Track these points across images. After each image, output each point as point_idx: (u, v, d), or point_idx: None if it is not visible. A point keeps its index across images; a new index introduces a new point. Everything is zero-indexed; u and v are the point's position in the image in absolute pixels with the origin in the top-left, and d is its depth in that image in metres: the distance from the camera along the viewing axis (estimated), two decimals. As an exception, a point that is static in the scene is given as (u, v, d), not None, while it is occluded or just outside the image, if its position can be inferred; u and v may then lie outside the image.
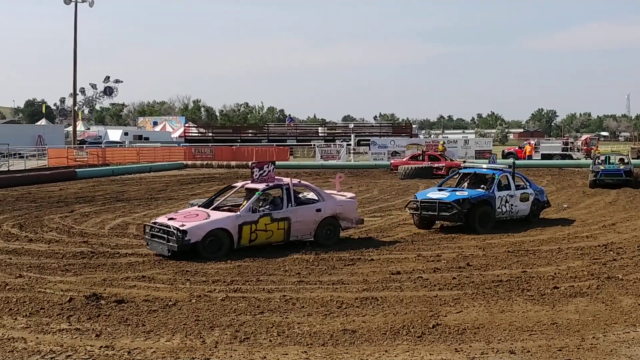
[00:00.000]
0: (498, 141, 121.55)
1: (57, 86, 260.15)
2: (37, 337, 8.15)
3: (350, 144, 52.20)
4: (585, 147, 53.08)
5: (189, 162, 47.45)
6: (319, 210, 14.63)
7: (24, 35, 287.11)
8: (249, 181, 15.18)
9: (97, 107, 76.05)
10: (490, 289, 10.52)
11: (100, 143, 64.29)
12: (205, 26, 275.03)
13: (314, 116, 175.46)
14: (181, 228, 13.01)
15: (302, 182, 15.86)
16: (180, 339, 8.10)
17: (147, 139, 72.05)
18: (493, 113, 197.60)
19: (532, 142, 55.79)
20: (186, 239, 12.93)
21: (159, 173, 41.00)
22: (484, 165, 19.00)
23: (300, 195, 15.20)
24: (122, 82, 74.60)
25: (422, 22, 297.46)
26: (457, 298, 9.95)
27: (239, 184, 15.48)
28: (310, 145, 55.96)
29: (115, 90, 67.02)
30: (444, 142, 49.30)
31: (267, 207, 14.37)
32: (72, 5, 55.26)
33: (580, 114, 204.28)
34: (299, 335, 8.22)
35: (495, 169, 18.10)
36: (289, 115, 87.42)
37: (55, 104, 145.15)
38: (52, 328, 8.56)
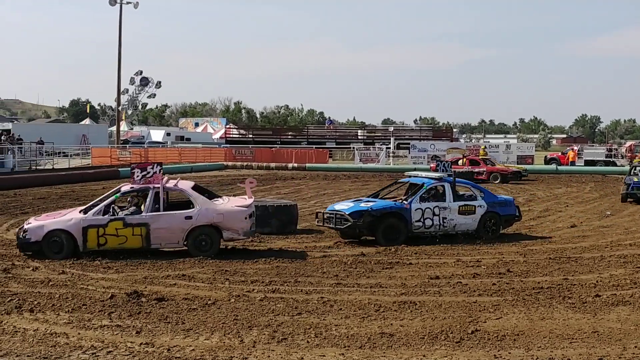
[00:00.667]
0: (540, 146, 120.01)
1: (102, 86, 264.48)
2: (79, 333, 8.29)
3: (389, 147, 52.04)
4: (629, 154, 52.02)
5: (230, 163, 47.78)
6: (189, 217, 13.42)
7: (70, 36, 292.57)
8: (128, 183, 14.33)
9: (139, 104, 76.57)
10: (530, 295, 10.40)
11: (143, 143, 65.03)
12: (247, 28, 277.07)
13: (354, 119, 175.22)
14: (25, 227, 13.22)
15: (179, 185, 14.48)
16: (218, 337, 8.17)
17: (188, 139, 72.71)
18: (536, 118, 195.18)
19: (575, 148, 54.96)
20: (27, 237, 13.11)
21: (200, 173, 41.36)
22: (423, 174, 17.34)
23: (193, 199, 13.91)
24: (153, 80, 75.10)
25: (465, 25, 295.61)
26: (496, 304, 9.86)
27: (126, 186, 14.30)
28: (350, 148, 55.88)
29: (151, 80, 67.38)
30: (485, 147, 48.86)
31: (131, 210, 13.73)
32: (117, 6, 56.08)
33: (625, 120, 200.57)
34: (337, 337, 8.22)
35: (432, 178, 16.31)
36: (329, 117, 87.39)
37: (99, 104, 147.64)
38: (93, 324, 8.70)
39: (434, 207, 15.61)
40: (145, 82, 69.18)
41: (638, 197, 24.22)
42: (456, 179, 16.55)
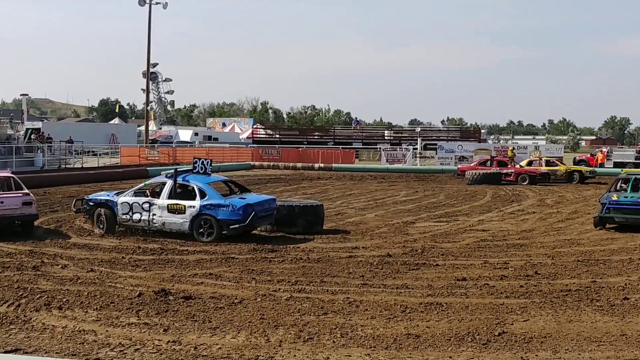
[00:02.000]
0: (569, 148, 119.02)
1: (131, 86, 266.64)
2: (107, 330, 8.39)
3: (416, 148, 51.89)
4: (659, 156, 51.41)
5: (256, 163, 47.97)
6: None
7: (100, 36, 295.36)
8: None
9: (166, 102, 77.36)
10: (558, 298, 10.32)
11: (171, 143, 65.50)
12: (275, 29, 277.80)
13: (380, 119, 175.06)
14: None
15: None
16: (245, 336, 8.21)
17: (216, 139, 73.12)
18: (564, 119, 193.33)
19: (604, 149, 54.42)
20: None
21: (227, 173, 41.41)
22: (163, 173, 17.20)
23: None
24: (170, 80, 75.47)
25: (492, 25, 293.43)
26: (524, 306, 9.79)
27: None
28: (376, 148, 55.82)
29: (159, 75, 67.60)
30: (514, 148, 48.53)
31: None
32: (147, 7, 56.53)
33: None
34: (362, 337, 8.23)
35: (167, 175, 16.39)
36: (355, 118, 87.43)
37: (128, 104, 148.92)
38: (121, 322, 8.79)
39: (142, 203, 16.08)
40: (154, 77, 69.19)
41: (616, 221, 17.79)
42: (187, 177, 16.26)
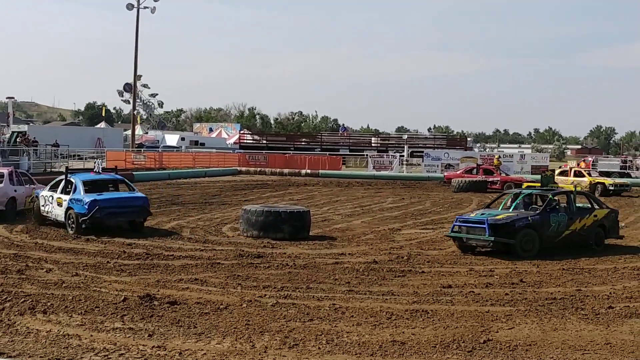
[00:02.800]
0: (555, 157, 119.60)
1: (118, 90, 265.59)
2: (92, 335, 8.33)
3: (403, 155, 52.03)
4: (644, 166, 51.83)
5: (243, 169, 47.91)
6: None
7: (87, 40, 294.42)
8: None
9: (154, 107, 77.02)
10: (543, 306, 10.35)
11: (158, 147, 65.33)
12: (263, 35, 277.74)
13: (367, 126, 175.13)
14: None
15: None
16: (230, 342, 8.18)
17: (203, 144, 73.00)
18: (550, 128, 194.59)
19: (588, 159, 54.87)
20: None
21: (213, 178, 41.50)
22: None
23: None
24: (148, 87, 74.84)
25: (479, 34, 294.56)
26: (509, 314, 9.82)
27: None
28: (363, 155, 55.90)
29: (129, 88, 66.78)
30: (499, 156, 48.77)
31: None
32: (135, 11, 56.40)
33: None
34: (348, 344, 8.22)
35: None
36: (343, 124, 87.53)
37: (114, 108, 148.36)
38: (106, 326, 8.74)
39: (48, 196, 18.05)
40: (129, 88, 68.54)
41: (468, 245, 15.20)
42: (75, 174, 18.44)
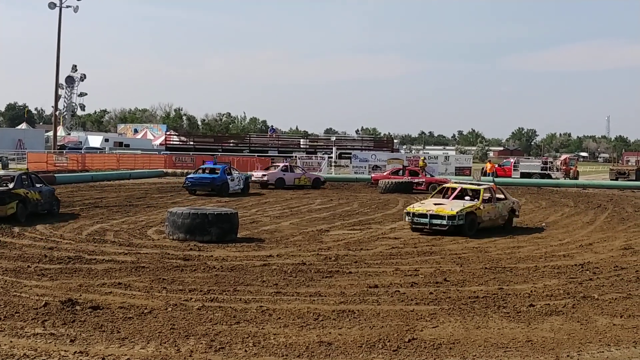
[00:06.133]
0: (478, 158, 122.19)
1: (39, 91, 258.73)
2: (11, 341, 8.07)
3: (331, 157, 52.33)
4: (564, 167, 53.58)
5: (170, 170, 47.36)
6: None
7: (8, 39, 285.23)
8: None
9: (76, 107, 75.46)
10: (466, 304, 10.56)
11: (81, 149, 63.87)
12: (189, 34, 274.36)
13: (296, 128, 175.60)
14: None
15: None
16: (155, 346, 8.05)
17: (127, 146, 71.72)
18: (474, 130, 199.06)
19: (491, 161, 58.21)
20: None
21: (138, 180, 40.84)
22: None
23: None
24: (85, 77, 73.38)
25: (405, 37, 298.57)
26: (433, 313, 9.97)
27: None
28: (292, 156, 55.97)
29: (76, 80, 65.53)
30: (425, 158, 49.58)
31: None
32: (57, 10, 55.05)
33: (560, 134, 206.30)
34: (275, 346, 8.20)
35: None
36: (272, 126, 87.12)
37: (36, 109, 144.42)
38: (26, 332, 8.48)
39: None
40: (71, 80, 67.30)
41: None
42: None
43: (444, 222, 18.57)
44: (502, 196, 20.98)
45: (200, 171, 33.27)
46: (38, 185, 21.09)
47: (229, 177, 31.83)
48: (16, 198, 19.27)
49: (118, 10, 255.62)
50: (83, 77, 68.25)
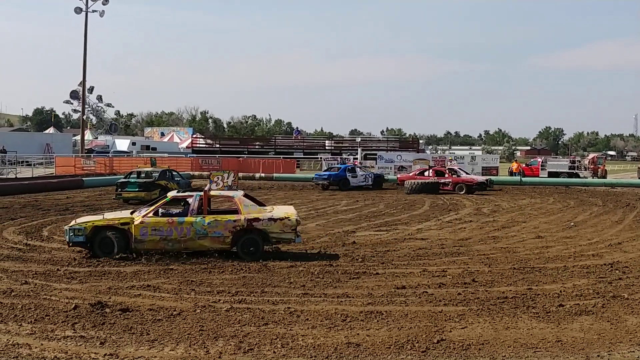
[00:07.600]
0: (505, 158, 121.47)
1: (66, 95, 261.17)
2: (42, 344, 8.17)
3: (356, 158, 52.25)
4: (592, 166, 53.00)
5: (196, 173, 47.61)
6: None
7: (35, 44, 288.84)
8: None
9: (104, 112, 76.30)
10: (495, 305, 10.49)
11: (108, 152, 64.47)
12: (215, 38, 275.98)
13: (321, 130, 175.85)
14: None
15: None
16: (184, 348, 8.11)
17: (154, 149, 72.30)
18: (500, 130, 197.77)
19: (517, 160, 58.39)
20: None
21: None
22: None
23: None
24: (93, 89, 73.95)
25: (432, 39, 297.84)
26: (462, 314, 9.93)
27: None
28: (317, 158, 56.01)
29: (78, 94, 65.51)
30: (452, 158, 49.34)
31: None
32: (83, 15, 55.60)
33: (588, 133, 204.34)
34: (303, 347, 8.21)
35: None
36: (296, 128, 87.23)
37: (63, 113, 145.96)
38: (56, 335, 8.58)
39: None
40: (75, 95, 67.36)
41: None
42: None
43: None
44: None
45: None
46: (177, 179, 29.67)
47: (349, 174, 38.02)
48: (159, 187, 27.67)
49: (146, 15, 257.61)
50: (91, 90, 68.82)
